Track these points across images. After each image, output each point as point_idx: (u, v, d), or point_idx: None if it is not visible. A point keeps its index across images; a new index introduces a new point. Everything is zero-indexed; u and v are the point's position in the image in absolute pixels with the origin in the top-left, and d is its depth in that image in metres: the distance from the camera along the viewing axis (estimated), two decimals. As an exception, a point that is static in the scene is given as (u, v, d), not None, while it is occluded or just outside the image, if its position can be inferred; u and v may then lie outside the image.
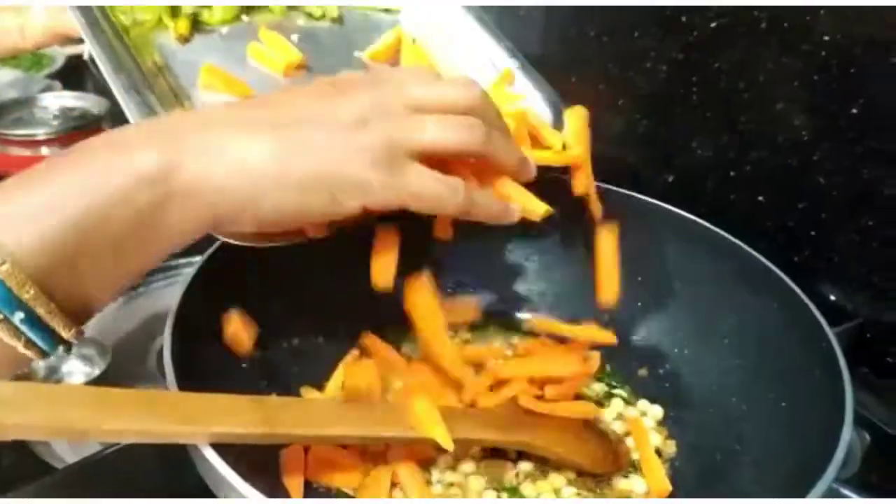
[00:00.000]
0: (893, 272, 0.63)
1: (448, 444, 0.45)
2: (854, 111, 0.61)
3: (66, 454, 0.58)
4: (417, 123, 0.42)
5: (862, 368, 0.65)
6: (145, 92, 0.49)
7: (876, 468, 0.52)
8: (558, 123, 0.56)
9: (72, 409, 0.36)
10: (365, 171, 0.40)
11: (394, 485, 0.49)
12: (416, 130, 0.41)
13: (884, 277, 0.64)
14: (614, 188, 0.61)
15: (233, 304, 0.51)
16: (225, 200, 0.39)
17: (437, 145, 0.42)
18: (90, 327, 0.70)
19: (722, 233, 0.58)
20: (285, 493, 0.46)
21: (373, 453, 0.50)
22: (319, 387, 0.57)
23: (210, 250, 0.53)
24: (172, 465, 0.45)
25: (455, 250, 0.65)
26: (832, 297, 0.67)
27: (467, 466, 0.51)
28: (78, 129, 0.96)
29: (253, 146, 0.39)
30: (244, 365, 0.52)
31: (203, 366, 0.47)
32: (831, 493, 0.37)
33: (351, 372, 0.56)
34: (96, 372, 0.65)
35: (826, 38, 0.60)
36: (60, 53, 1.25)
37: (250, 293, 0.51)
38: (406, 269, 0.49)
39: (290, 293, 0.57)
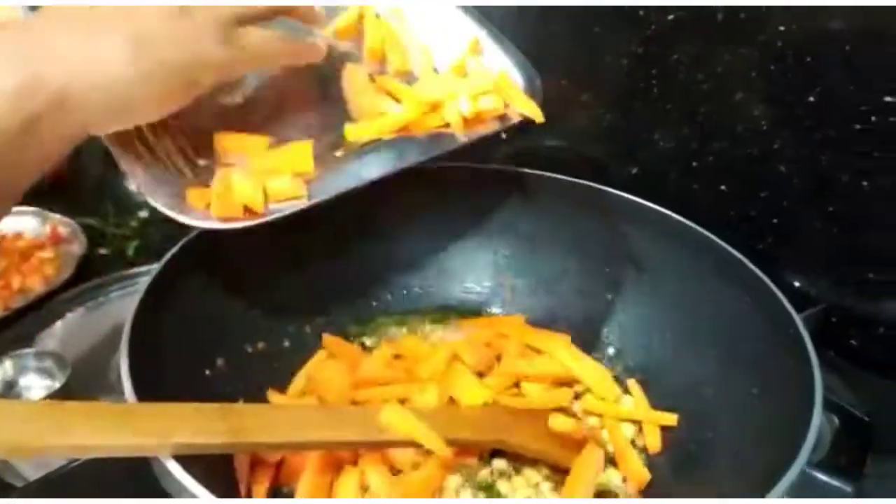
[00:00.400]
0: (855, 256, 0.64)
1: (441, 450, 0.45)
2: (811, 99, 0.62)
3: (28, 471, 0.56)
4: None
5: (828, 352, 0.66)
6: None
7: (845, 451, 0.52)
8: (531, 89, 0.56)
9: (24, 425, 0.35)
10: (213, 50, 0.44)
11: (363, 488, 0.48)
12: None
13: (846, 262, 0.65)
14: (580, 181, 0.61)
15: (191, 311, 0.50)
16: (93, 107, 0.41)
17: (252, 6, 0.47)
18: (50, 340, 0.70)
19: (692, 224, 0.59)
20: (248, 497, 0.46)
21: (340, 457, 0.49)
22: (286, 390, 0.56)
23: (165, 258, 0.51)
24: (138, 479, 0.43)
25: (422, 246, 0.66)
26: (796, 284, 0.68)
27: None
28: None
29: (104, 46, 0.41)
30: (208, 372, 0.51)
31: (164, 376, 0.45)
32: (802, 476, 0.37)
33: (318, 373, 0.55)
34: (56, 385, 0.63)
35: (782, 28, 0.61)
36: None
37: (209, 299, 0.50)
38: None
39: (251, 297, 0.56)
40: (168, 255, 0.51)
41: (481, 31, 0.59)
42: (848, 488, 0.36)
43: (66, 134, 0.41)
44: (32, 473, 0.55)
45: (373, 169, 0.50)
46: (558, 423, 0.51)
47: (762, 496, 0.35)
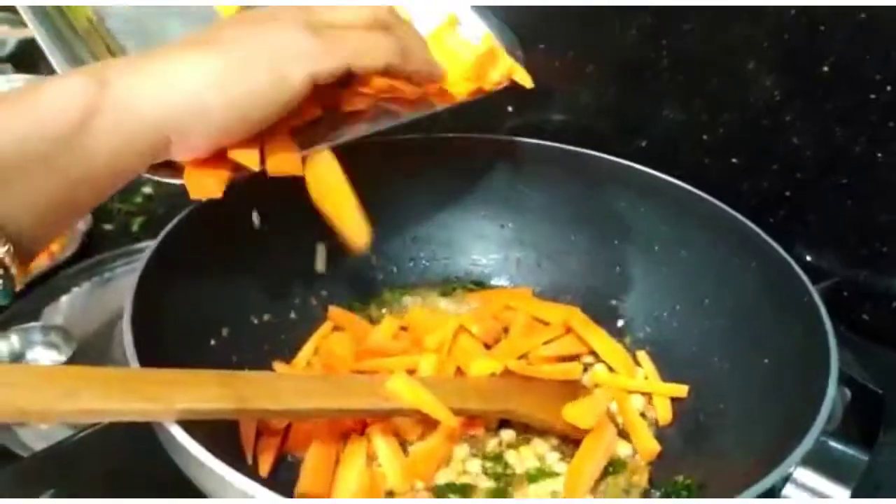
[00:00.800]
0: (868, 230, 0.63)
1: (448, 420, 0.44)
2: (824, 69, 0.60)
3: (33, 441, 0.56)
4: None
5: (839, 327, 0.65)
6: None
7: (857, 424, 0.52)
8: (512, 56, 0.56)
9: (32, 390, 0.34)
10: (303, 37, 0.41)
11: (370, 458, 0.48)
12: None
13: (858, 235, 0.64)
14: (589, 151, 0.60)
15: (195, 282, 0.49)
16: (164, 116, 0.38)
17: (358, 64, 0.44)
18: (56, 315, 0.70)
19: (701, 194, 0.58)
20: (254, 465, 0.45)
21: (347, 426, 0.49)
22: (291, 361, 0.55)
23: (166, 229, 0.50)
24: (142, 450, 0.43)
25: (428, 218, 0.65)
26: (808, 258, 0.67)
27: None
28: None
29: (185, 60, 0.39)
30: (213, 342, 0.50)
31: (168, 345, 0.45)
32: (817, 445, 0.37)
33: (324, 344, 0.54)
34: (62, 359, 0.64)
35: (794, -3, 0.60)
36: (12, 37, 1.21)
37: (213, 271, 0.50)
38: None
39: (255, 269, 0.56)
40: (169, 227, 0.50)
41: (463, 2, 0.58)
42: (864, 456, 0.35)
43: (130, 136, 0.39)
44: (37, 444, 0.55)
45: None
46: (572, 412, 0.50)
47: (777, 465, 0.34)
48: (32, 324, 0.66)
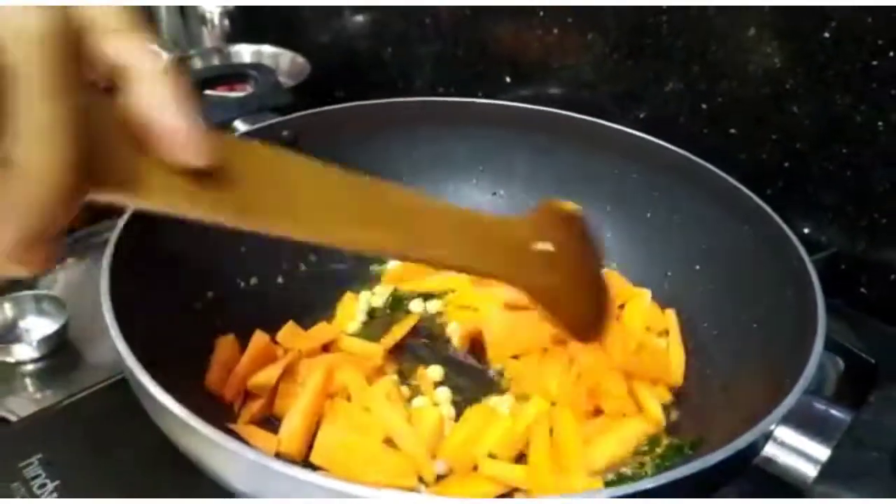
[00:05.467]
0: (867, 201, 0.62)
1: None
2: (826, 35, 0.59)
3: (20, 407, 0.56)
4: None
5: (836, 300, 0.64)
6: None
7: (849, 393, 0.51)
8: None
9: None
10: None
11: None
12: None
13: (857, 206, 0.63)
14: (582, 116, 0.59)
15: (177, 244, 0.49)
16: None
17: None
18: (52, 285, 0.70)
19: (695, 158, 0.57)
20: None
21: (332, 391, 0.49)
22: (271, 330, 0.55)
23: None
24: (128, 414, 0.43)
25: (419, 185, 0.64)
26: (806, 230, 0.66)
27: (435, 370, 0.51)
28: None
29: None
30: (198, 305, 0.50)
31: (150, 308, 0.44)
32: (801, 405, 0.36)
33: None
34: (55, 327, 0.63)
35: (796, -41, 0.58)
36: None
37: (197, 233, 0.49)
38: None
39: (242, 232, 0.55)
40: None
41: None
42: (847, 417, 0.35)
43: None
44: (25, 409, 0.55)
45: None
46: None
47: (757, 424, 0.34)
48: (25, 292, 0.66)
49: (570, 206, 0.43)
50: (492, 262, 0.38)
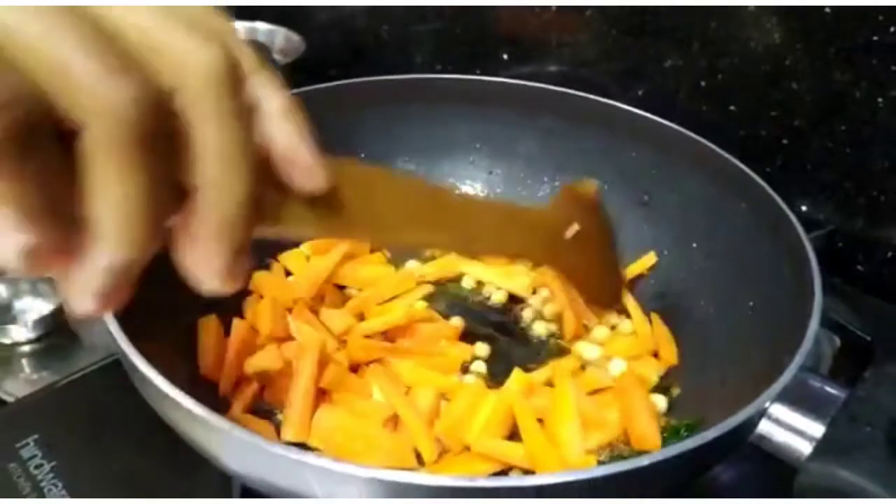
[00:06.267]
0: (866, 177, 0.62)
1: None
2: (826, 10, 0.58)
3: (17, 388, 0.56)
4: None
5: (834, 278, 0.64)
6: None
7: (844, 370, 0.51)
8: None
9: None
10: None
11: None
12: None
13: (856, 182, 0.62)
14: (579, 93, 0.59)
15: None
16: None
17: None
18: None
19: (687, 132, 0.57)
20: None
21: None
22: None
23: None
24: (124, 395, 0.43)
25: (415, 163, 0.64)
26: (804, 208, 0.66)
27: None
28: None
29: None
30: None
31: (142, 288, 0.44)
32: (796, 381, 0.36)
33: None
34: (51, 307, 0.63)
35: (797, -68, 0.58)
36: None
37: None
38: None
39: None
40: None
41: None
42: (842, 394, 0.35)
43: None
44: (21, 390, 0.55)
45: None
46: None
47: (751, 402, 0.34)
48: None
49: (587, 186, 0.50)
50: (531, 250, 0.45)
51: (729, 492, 0.45)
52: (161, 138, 0.24)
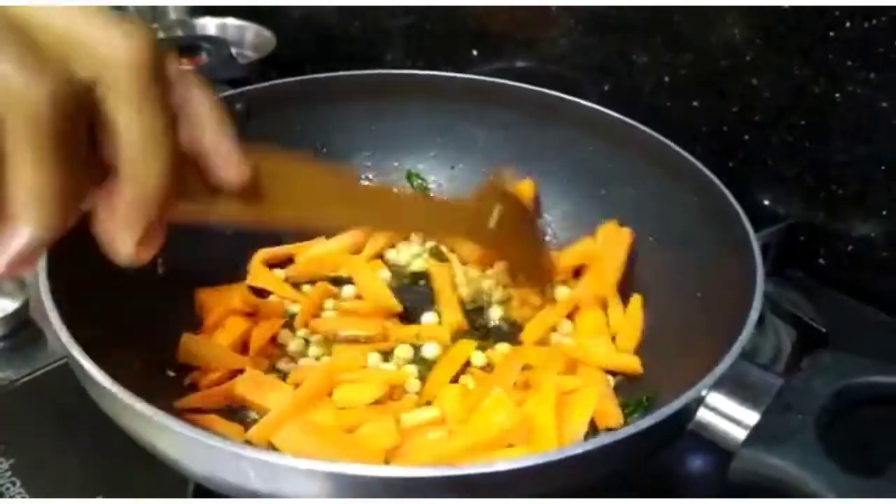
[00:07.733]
0: (825, 172, 0.62)
1: None
2: (785, 7, 0.59)
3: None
4: None
5: (796, 272, 0.65)
6: None
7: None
8: None
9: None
10: None
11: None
12: None
13: (815, 177, 0.63)
14: (537, 88, 0.59)
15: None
16: None
17: None
18: None
19: (643, 128, 0.57)
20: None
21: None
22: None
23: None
24: (80, 396, 0.42)
25: (376, 159, 0.65)
26: (766, 202, 0.66)
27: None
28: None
29: None
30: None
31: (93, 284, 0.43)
32: (740, 372, 0.37)
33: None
34: (16, 305, 0.63)
35: (754, -70, 0.58)
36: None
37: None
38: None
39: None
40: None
41: None
42: (778, 382, 0.35)
43: None
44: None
45: None
46: None
47: (688, 390, 0.35)
48: (-17, 272, 0.66)
49: (505, 177, 0.55)
50: (455, 232, 0.51)
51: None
52: (81, 126, 0.26)
